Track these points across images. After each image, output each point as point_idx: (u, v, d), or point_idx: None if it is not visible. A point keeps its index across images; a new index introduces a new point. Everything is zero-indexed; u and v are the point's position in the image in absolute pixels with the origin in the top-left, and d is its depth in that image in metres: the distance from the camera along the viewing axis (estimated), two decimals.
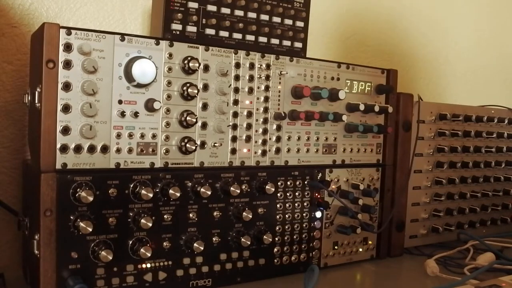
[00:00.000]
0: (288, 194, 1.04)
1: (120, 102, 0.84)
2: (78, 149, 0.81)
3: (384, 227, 1.18)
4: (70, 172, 0.81)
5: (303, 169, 1.06)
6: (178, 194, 0.88)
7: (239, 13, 0.97)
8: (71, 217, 0.81)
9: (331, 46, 1.58)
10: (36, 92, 0.81)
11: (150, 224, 0.86)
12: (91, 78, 0.81)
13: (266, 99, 1.00)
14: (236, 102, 0.96)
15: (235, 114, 0.96)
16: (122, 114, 0.84)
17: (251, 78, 0.98)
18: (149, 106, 0.85)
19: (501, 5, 2.07)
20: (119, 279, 0.86)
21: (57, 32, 0.78)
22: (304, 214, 1.07)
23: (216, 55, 0.93)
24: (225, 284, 0.97)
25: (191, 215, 0.92)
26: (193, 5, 0.92)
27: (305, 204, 1.07)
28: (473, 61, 1.98)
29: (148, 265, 0.89)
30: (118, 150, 0.85)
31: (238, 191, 0.95)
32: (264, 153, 1.01)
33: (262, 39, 1.01)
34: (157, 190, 0.88)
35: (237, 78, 0.96)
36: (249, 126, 0.98)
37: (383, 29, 1.71)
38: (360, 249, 1.18)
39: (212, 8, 0.94)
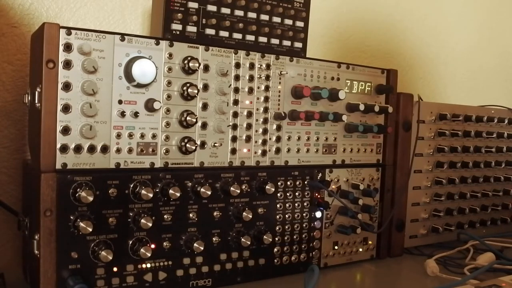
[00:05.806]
0: (288, 194, 1.04)
1: (120, 102, 0.84)
2: (78, 149, 0.81)
3: (384, 227, 1.18)
4: (70, 172, 0.81)
5: (303, 169, 1.06)
6: (178, 194, 0.88)
7: (239, 13, 0.97)
8: (71, 217, 0.81)
9: (331, 46, 1.58)
10: (36, 92, 0.81)
11: (150, 224, 0.85)
12: (91, 78, 0.81)
13: (266, 99, 1.00)
14: (236, 102, 0.96)
15: (235, 114, 0.96)
16: (122, 114, 0.84)
17: (251, 78, 0.98)
18: (149, 106, 0.85)
19: (501, 5, 2.07)
20: (119, 279, 0.86)
21: (57, 32, 0.78)
22: (304, 214, 1.07)
23: (216, 55, 0.93)
24: (225, 284, 0.97)
25: (191, 215, 0.92)
26: (193, 5, 0.92)
27: (305, 204, 1.07)
28: (473, 61, 1.98)
29: (148, 265, 0.89)
30: (118, 150, 0.85)
31: (238, 191, 0.95)
32: (264, 153, 1.01)
33: (262, 39, 1.01)
34: (157, 190, 0.88)
35: (237, 78, 0.96)
36: (249, 126, 0.98)
37: (383, 29, 1.71)
38: (360, 249, 1.18)
39: (212, 8, 0.94)
